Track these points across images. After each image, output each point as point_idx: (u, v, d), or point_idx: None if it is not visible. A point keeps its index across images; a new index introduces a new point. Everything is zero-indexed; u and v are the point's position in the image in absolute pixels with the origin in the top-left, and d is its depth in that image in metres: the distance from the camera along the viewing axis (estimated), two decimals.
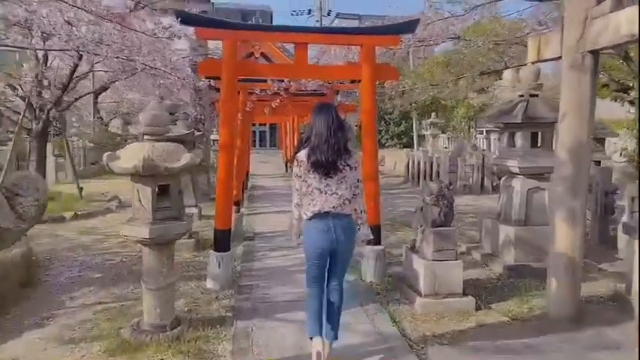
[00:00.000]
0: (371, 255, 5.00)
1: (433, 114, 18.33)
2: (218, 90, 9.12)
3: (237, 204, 7.27)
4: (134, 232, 3.50)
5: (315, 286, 3.04)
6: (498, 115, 5.85)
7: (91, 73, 11.63)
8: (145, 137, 3.67)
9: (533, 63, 4.52)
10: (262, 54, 20.30)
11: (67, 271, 5.38)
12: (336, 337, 3.13)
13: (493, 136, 18.00)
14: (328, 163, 2.85)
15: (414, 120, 23.01)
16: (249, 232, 7.44)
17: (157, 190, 3.53)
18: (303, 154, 2.94)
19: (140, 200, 3.55)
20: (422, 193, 4.45)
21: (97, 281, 5.03)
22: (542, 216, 5.62)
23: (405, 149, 24.25)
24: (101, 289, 4.77)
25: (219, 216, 4.79)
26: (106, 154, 3.48)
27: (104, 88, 17.12)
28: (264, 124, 29.54)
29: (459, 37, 7.87)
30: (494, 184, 12.23)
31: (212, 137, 16.84)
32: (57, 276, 5.23)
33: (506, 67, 6.32)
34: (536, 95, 5.67)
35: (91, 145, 17.51)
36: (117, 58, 6.57)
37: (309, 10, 43.46)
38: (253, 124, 25.95)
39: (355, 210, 3.03)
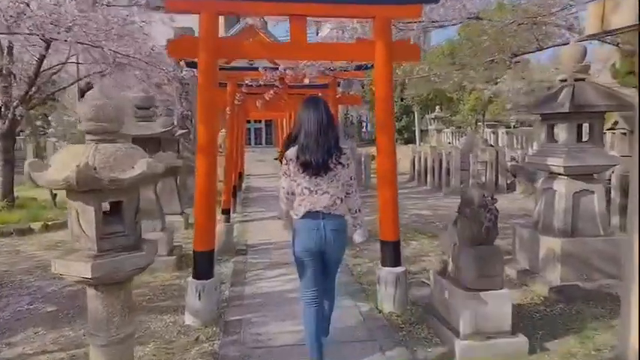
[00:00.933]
0: (389, 279, 4.03)
1: (437, 107, 17.37)
2: None
3: (227, 212, 6.29)
4: (71, 268, 2.51)
5: (310, 297, 2.90)
6: (538, 104, 4.86)
7: (75, 69, 10.53)
8: (88, 137, 2.67)
9: (594, 36, 3.53)
10: None
11: (15, 303, 4.39)
12: (327, 333, 3.14)
13: (501, 130, 17.05)
14: (318, 163, 2.72)
15: (415, 114, 22.04)
16: (240, 245, 6.45)
17: (102, 209, 2.55)
18: (292, 153, 2.79)
19: (80, 224, 2.56)
20: (462, 205, 3.47)
21: (49, 317, 4.03)
22: (592, 225, 4.67)
23: (407, 145, 23.34)
24: (51, 330, 3.78)
25: (199, 235, 3.81)
26: (28, 161, 2.49)
27: (88, 86, 16.17)
28: (260, 121, 28.48)
29: (478, 17, 6.87)
30: (508, 182, 11.28)
31: None
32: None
33: (540, 48, 5.39)
34: (583, 79, 4.70)
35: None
36: (80, 43, 5.57)
37: None
38: (248, 121, 24.92)
39: (350, 210, 2.93)
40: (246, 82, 6.01)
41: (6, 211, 8.19)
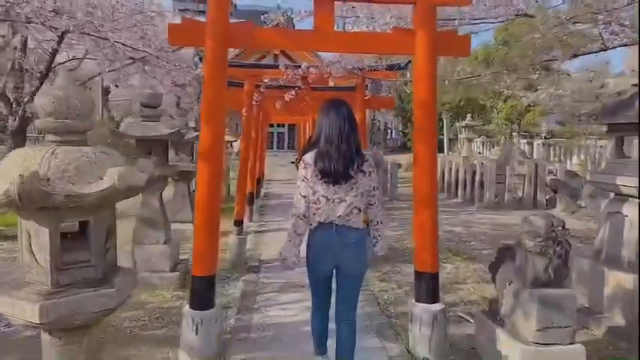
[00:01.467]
0: (425, 318, 3.32)
1: (468, 115, 16.50)
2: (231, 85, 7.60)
3: (240, 223, 5.69)
4: (16, 308, 1.92)
5: (319, 310, 2.87)
6: (606, 112, 4.10)
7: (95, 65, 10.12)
8: (48, 138, 2.08)
9: None
10: (282, 52, 18.80)
11: None
12: None
13: (536, 142, 16.07)
14: (338, 171, 2.57)
15: (444, 122, 21.16)
16: (253, 260, 5.83)
17: (62, 232, 1.97)
18: (310, 157, 2.63)
19: (32, 250, 1.97)
20: (524, 235, 2.77)
21: None
22: None
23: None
24: None
25: (198, 257, 3.20)
26: None
27: (115, 84, 15.95)
28: (283, 125, 28.02)
29: (526, 14, 6.10)
30: (547, 197, 10.39)
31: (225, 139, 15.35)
32: None
33: (605, 48, 4.64)
34: None
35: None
36: (83, 34, 5.06)
37: None
38: (271, 125, 24.48)
39: (371, 221, 2.76)
40: (265, 81, 5.40)
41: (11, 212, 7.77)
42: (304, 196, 2.62)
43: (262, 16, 4.79)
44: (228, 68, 5.29)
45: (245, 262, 5.68)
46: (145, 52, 5.43)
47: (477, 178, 10.61)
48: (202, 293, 3.21)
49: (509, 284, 2.93)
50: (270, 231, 7.77)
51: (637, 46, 4.31)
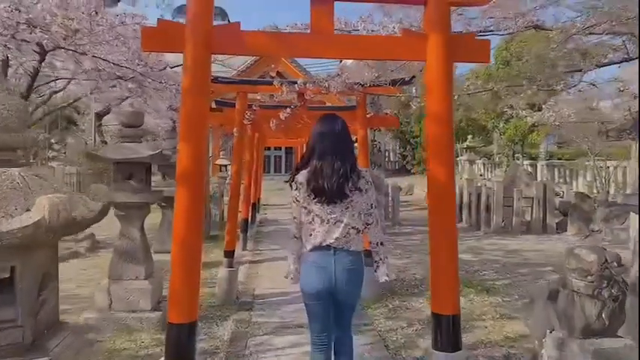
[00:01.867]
0: None
1: (469, 137, 16.15)
2: (221, 108, 7.14)
3: (231, 254, 5.16)
4: None
5: (319, 343, 2.60)
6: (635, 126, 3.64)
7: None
8: None
9: None
10: (278, 73, 18.59)
11: None
12: None
13: (540, 163, 15.67)
14: (332, 189, 2.42)
15: None
16: (246, 295, 5.28)
17: None
18: (302, 176, 2.49)
19: None
20: (570, 273, 2.27)
21: None
22: None
23: None
24: None
25: (175, 301, 2.68)
26: None
27: (105, 110, 15.62)
28: (280, 148, 27.62)
29: (537, 27, 5.74)
30: (557, 221, 9.90)
31: (220, 162, 14.93)
32: None
33: (629, 59, 4.24)
34: None
35: (90, 171, 15.84)
36: (59, 48, 4.65)
37: None
38: (267, 149, 24.09)
39: (370, 243, 2.59)
40: (258, 98, 4.97)
41: None
42: (295, 217, 2.54)
43: None
44: (217, 85, 4.73)
45: (236, 297, 5.13)
46: (129, 68, 5.00)
47: (483, 201, 10.13)
48: (180, 344, 2.67)
49: (550, 332, 2.42)
50: (266, 261, 7.23)
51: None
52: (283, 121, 5.16)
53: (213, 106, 6.04)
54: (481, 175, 18.21)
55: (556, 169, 14.88)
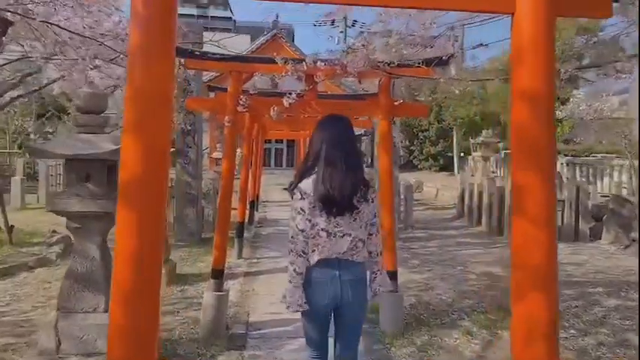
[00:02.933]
0: None
1: (484, 131, 15.10)
2: (217, 90, 6.12)
3: (220, 274, 4.13)
4: None
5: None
6: None
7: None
8: None
9: None
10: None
11: None
12: None
13: (559, 161, 14.57)
14: (343, 201, 2.27)
15: (454, 138, 19.76)
16: (238, 326, 4.26)
17: None
18: (307, 185, 2.30)
19: None
20: None
21: None
22: None
23: (442, 173, 20.97)
24: None
25: (118, 342, 1.68)
26: None
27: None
28: (281, 141, 26.53)
29: None
30: (590, 227, 8.87)
31: (216, 155, 13.89)
32: None
33: None
34: None
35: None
36: (6, 11, 3.59)
37: (333, 21, 41.11)
38: (268, 141, 23.01)
39: (370, 253, 2.42)
40: (256, 78, 3.94)
41: None
42: (302, 230, 2.28)
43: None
44: (206, 62, 3.71)
45: (226, 327, 4.12)
46: (92, 38, 3.94)
47: (507, 203, 9.09)
48: None
49: None
50: (264, 272, 6.22)
51: None
52: (287, 110, 4.10)
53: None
54: (493, 172, 17.17)
55: (577, 168, 13.82)
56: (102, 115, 3.47)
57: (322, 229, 2.29)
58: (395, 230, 4.36)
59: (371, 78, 4.36)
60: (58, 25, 3.89)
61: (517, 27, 1.91)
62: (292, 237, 2.30)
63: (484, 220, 9.97)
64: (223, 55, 4.06)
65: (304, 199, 2.29)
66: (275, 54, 4.06)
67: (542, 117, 1.91)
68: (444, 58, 4.04)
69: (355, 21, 33.30)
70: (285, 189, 2.60)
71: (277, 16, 22.73)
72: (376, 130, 8.49)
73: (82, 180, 3.33)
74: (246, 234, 7.74)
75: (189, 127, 7.93)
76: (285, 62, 3.91)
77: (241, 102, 4.09)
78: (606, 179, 12.64)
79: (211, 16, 63.32)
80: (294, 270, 2.27)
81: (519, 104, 1.96)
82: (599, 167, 12.99)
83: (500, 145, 17.05)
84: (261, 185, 13.85)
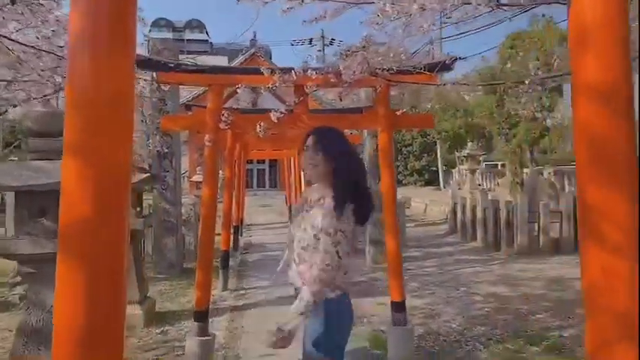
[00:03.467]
0: None
1: (470, 143, 14.92)
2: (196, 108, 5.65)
3: (204, 315, 3.59)
4: None
5: None
6: None
7: None
8: None
9: None
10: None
11: None
12: None
13: (547, 171, 14.45)
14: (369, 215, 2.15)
15: (438, 152, 19.59)
16: None
17: None
18: (351, 208, 2.03)
19: None
20: None
21: None
22: None
23: (428, 187, 20.70)
24: None
25: None
26: None
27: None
28: (263, 161, 26.01)
29: None
30: None
31: (196, 179, 13.28)
32: None
33: None
34: None
35: None
36: None
37: (310, 40, 41.03)
38: (249, 162, 22.47)
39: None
40: (239, 89, 3.49)
41: None
42: (341, 257, 1.98)
43: None
44: (181, 76, 3.21)
45: None
46: (51, 52, 3.45)
47: (503, 217, 8.75)
48: None
49: None
50: (253, 306, 5.64)
51: None
52: (275, 126, 3.65)
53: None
54: (479, 185, 16.97)
55: (566, 177, 13.67)
56: (59, 138, 2.95)
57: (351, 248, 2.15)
58: (402, 255, 3.89)
59: (368, 86, 3.95)
60: (7, 38, 3.40)
61: (577, 3, 1.51)
62: (333, 266, 2.09)
63: (479, 234, 9.60)
64: (201, 66, 3.60)
65: (349, 222, 2.06)
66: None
67: (618, 117, 1.49)
68: (447, 62, 3.66)
69: (333, 39, 33.25)
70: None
71: (255, 35, 22.45)
72: (366, 145, 8.14)
73: (35, 216, 2.79)
74: (231, 262, 7.19)
75: (166, 150, 7.39)
76: (272, 72, 3.48)
77: (223, 119, 3.62)
78: None
79: (187, 39, 62.93)
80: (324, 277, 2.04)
81: (584, 102, 1.54)
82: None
83: (481, 158, 16.99)
84: (244, 208, 13.29)
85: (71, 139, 1.20)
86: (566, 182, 13.69)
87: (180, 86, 7.69)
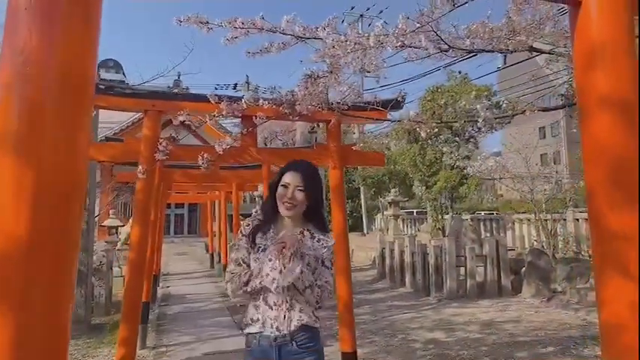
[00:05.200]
0: None
1: (393, 190, 15.35)
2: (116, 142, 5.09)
3: None
4: None
5: None
6: None
7: None
8: None
9: None
10: (173, 138, 16.55)
11: None
12: None
13: (464, 217, 15.17)
14: None
15: (362, 198, 19.95)
16: None
17: None
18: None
19: None
20: None
21: None
22: None
23: (350, 233, 20.82)
24: None
25: None
26: None
27: None
28: (182, 205, 24.73)
29: None
30: (511, 280, 8.92)
31: (108, 223, 12.17)
32: None
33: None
34: None
35: None
36: None
37: (235, 85, 41.09)
38: (168, 206, 21.23)
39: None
40: (180, 119, 3.15)
41: None
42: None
43: None
44: (115, 100, 2.75)
45: None
46: None
47: (431, 261, 8.87)
48: None
49: None
50: None
51: None
52: (220, 158, 3.34)
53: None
54: (401, 231, 17.39)
55: (482, 223, 14.43)
56: None
57: None
58: (352, 303, 3.63)
59: (320, 120, 3.78)
60: None
61: (585, 18, 1.45)
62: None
63: (408, 279, 9.63)
64: (138, 89, 3.22)
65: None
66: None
67: (634, 134, 1.42)
68: (398, 99, 3.63)
69: (258, 86, 33.58)
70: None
71: (179, 76, 21.86)
72: None
73: None
74: (150, 315, 6.43)
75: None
76: (220, 100, 3.20)
77: (161, 148, 3.23)
78: (509, 233, 13.27)
79: (101, 79, 60.13)
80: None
81: (595, 122, 1.46)
82: (501, 222, 13.66)
83: (402, 204, 17.59)
84: (161, 256, 12.31)
85: (2, 132, 0.84)
86: (482, 229, 14.46)
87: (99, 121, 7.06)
